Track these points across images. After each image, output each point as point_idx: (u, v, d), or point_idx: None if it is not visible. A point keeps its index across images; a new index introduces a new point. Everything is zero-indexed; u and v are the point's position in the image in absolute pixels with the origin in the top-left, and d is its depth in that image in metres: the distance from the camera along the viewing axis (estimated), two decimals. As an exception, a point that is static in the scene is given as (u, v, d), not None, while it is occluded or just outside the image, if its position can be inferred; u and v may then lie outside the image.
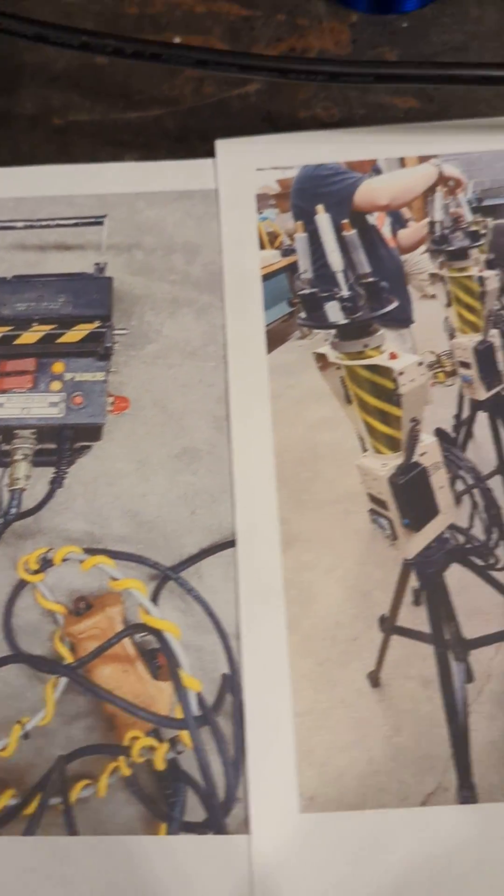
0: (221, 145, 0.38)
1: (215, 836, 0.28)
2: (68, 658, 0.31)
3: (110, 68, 0.41)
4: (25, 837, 0.28)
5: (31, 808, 0.28)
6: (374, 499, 0.33)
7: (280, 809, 0.28)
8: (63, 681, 0.30)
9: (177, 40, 0.42)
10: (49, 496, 0.33)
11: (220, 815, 0.28)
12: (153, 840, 0.28)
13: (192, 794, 0.29)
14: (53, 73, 0.41)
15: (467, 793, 0.28)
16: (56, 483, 0.33)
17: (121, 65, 0.41)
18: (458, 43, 0.42)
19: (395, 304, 0.36)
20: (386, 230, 0.38)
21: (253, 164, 0.38)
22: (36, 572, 0.32)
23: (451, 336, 0.36)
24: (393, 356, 0.34)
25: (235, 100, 0.40)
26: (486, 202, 0.38)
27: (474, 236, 0.38)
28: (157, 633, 0.31)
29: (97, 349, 0.35)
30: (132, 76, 0.41)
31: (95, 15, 0.43)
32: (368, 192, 0.38)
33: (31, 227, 0.38)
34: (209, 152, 0.38)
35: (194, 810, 0.28)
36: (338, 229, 0.36)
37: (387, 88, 0.40)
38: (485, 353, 0.36)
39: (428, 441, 0.34)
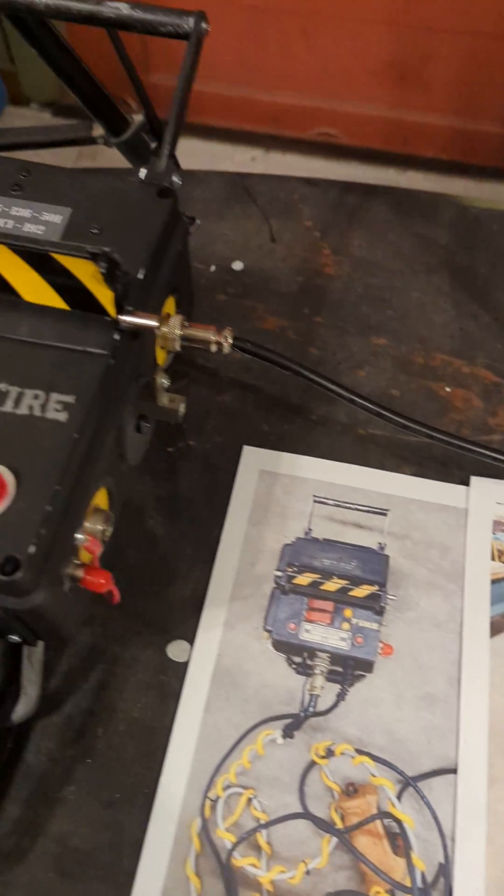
0: (475, 482, 0.56)
1: None
2: (339, 824, 0.46)
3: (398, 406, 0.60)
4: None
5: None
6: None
7: None
8: (334, 840, 0.45)
9: (447, 390, 0.61)
10: (335, 705, 0.49)
11: None
12: None
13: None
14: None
15: None
16: (340, 696, 0.49)
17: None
18: None
19: None
20: None
21: (495, 498, 0.56)
22: (322, 757, 0.48)
23: None
24: None
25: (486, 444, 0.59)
26: None
27: None
28: (399, 822, 0.46)
29: (375, 606, 0.52)
30: (416, 410, 0.60)
31: (394, 361, 0.62)
32: None
33: (339, 506, 0.56)
34: (465, 481, 0.56)
35: None
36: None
37: None
38: None
39: None
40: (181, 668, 0.51)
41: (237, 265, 0.67)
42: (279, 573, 0.53)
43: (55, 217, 0.45)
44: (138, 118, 0.73)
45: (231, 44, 1.60)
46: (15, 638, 0.42)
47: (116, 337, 0.41)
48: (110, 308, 0.40)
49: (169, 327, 0.44)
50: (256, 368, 0.61)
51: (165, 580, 0.53)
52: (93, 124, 0.73)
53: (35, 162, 0.48)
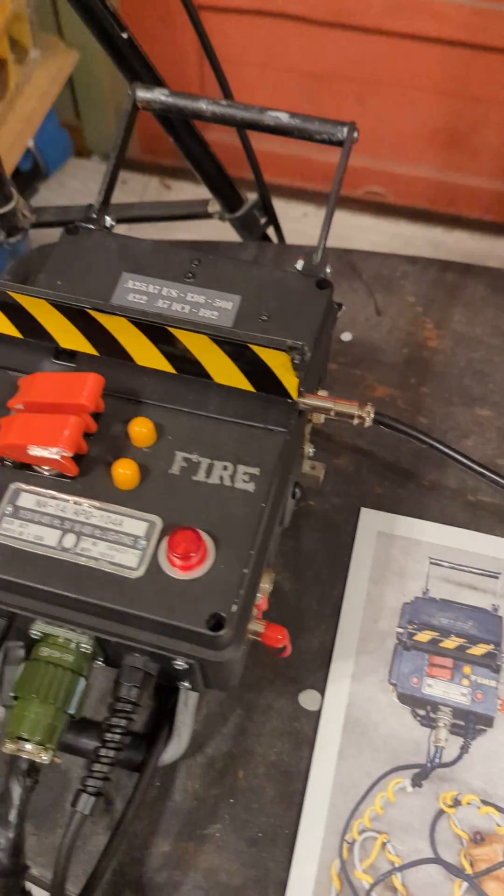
0: None
1: None
2: (468, 870, 0.49)
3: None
4: None
5: None
6: None
7: None
8: (465, 884, 0.49)
9: (547, 461, 0.65)
10: (459, 757, 0.53)
11: None
12: None
13: None
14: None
15: None
16: (464, 749, 0.53)
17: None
18: None
19: None
20: None
21: None
22: (450, 806, 0.51)
23: None
24: None
25: None
26: None
27: None
28: (524, 870, 0.49)
29: (492, 664, 0.56)
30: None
31: None
32: None
33: (454, 568, 0.60)
34: None
35: None
36: None
37: None
38: None
39: None
40: (313, 717, 0.54)
41: (346, 336, 0.72)
42: (400, 630, 0.57)
43: (227, 304, 0.50)
44: (252, 197, 0.79)
45: (287, 106, 1.68)
46: (186, 684, 0.47)
47: (294, 417, 0.46)
48: (293, 392, 0.45)
49: (332, 405, 0.49)
50: (369, 434, 0.66)
51: (294, 633, 0.57)
52: (209, 200, 0.79)
53: (204, 251, 0.53)
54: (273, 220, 0.79)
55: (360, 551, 0.61)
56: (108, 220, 0.55)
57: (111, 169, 0.55)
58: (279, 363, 0.43)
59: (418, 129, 1.67)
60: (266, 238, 0.82)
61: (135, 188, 1.85)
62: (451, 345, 0.71)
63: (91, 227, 0.54)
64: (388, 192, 1.81)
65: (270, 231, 0.84)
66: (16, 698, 0.44)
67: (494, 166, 1.70)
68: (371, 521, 0.62)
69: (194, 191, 1.86)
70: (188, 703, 0.50)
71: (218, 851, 0.50)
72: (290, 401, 0.45)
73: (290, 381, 0.44)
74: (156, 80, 0.69)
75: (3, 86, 1.39)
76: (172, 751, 0.51)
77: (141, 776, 0.49)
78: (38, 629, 0.44)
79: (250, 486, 0.44)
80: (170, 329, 0.44)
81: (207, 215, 0.78)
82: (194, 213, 0.78)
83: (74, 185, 1.82)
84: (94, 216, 0.54)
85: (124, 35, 0.65)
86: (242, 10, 1.49)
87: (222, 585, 0.41)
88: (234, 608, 0.40)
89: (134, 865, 0.50)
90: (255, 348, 0.43)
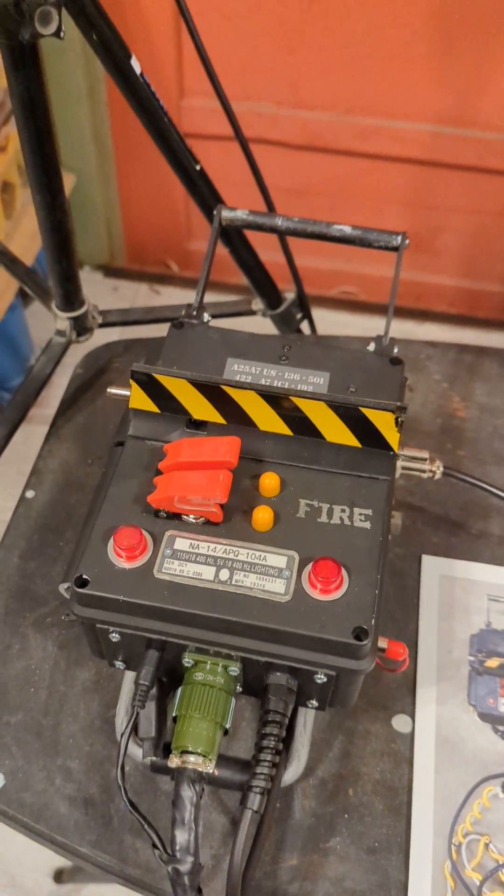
0: None
1: None
2: None
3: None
4: None
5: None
6: None
7: None
8: None
9: None
10: (540, 763, 0.60)
11: None
12: None
13: None
14: (504, 511, 0.74)
15: None
16: (542, 756, 0.60)
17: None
18: None
19: None
20: None
21: None
22: (538, 806, 0.58)
23: None
24: None
25: None
26: None
27: None
28: None
29: None
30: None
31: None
32: None
33: (509, 602, 0.69)
34: None
35: None
36: None
37: None
38: None
39: None
40: (407, 738, 0.61)
41: (386, 410, 0.82)
42: (472, 658, 0.65)
43: (319, 379, 0.60)
44: (290, 296, 0.91)
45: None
46: (313, 703, 0.54)
47: (395, 466, 0.55)
48: (395, 445, 0.54)
49: (421, 454, 0.58)
50: (418, 492, 0.75)
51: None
52: (253, 299, 0.90)
53: (293, 337, 0.63)
54: (308, 315, 0.91)
55: (427, 593, 0.69)
56: (206, 316, 0.65)
57: (204, 275, 0.66)
58: (384, 421, 0.53)
59: (386, 235, 1.84)
60: (299, 331, 0.93)
61: (126, 294, 1.99)
62: (477, 414, 0.82)
63: (193, 321, 0.64)
64: (360, 292, 1.97)
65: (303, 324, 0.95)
66: (175, 719, 0.51)
67: (455, 265, 1.88)
68: (433, 567, 0.71)
69: (181, 294, 2.00)
70: (307, 725, 0.57)
71: (341, 861, 0.56)
72: (391, 453, 0.55)
73: (392, 437, 0.54)
74: (218, 199, 0.81)
75: (11, 206, 1.52)
76: (293, 770, 0.57)
77: (269, 795, 0.55)
78: (190, 657, 0.51)
79: (367, 524, 0.52)
80: (292, 398, 0.53)
81: (251, 312, 0.89)
82: (240, 311, 0.89)
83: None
84: (195, 313, 0.64)
85: (198, 167, 0.77)
86: (223, 138, 1.67)
87: (360, 604, 0.49)
88: (372, 622, 0.48)
89: (267, 879, 0.55)
90: (365, 410, 0.53)
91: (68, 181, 1.66)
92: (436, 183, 1.69)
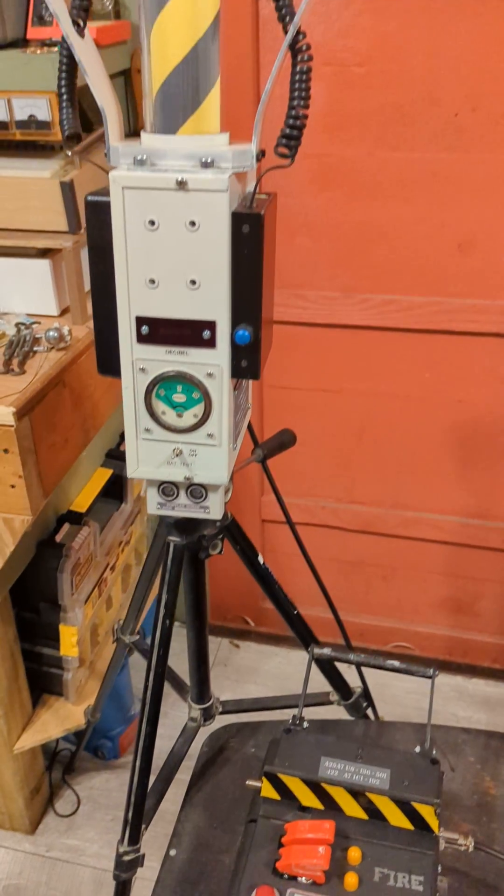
0: None
1: None
2: None
3: None
4: None
5: None
6: None
7: None
8: None
9: None
10: None
11: None
12: None
13: None
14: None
15: None
16: None
17: None
18: None
19: None
20: None
21: None
22: None
23: None
24: None
25: None
26: None
27: None
28: None
29: None
30: None
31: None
32: None
33: None
34: None
35: None
36: None
37: None
38: None
39: None
40: None
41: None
42: None
43: (383, 775, 0.90)
44: (358, 689, 1.22)
45: (328, 583, 2.24)
46: None
47: (437, 845, 0.83)
48: (436, 829, 0.82)
49: (451, 837, 0.85)
50: (463, 858, 0.99)
51: None
52: (330, 692, 1.22)
53: (362, 731, 0.94)
54: (371, 704, 1.21)
55: (472, 944, 0.91)
56: (305, 723, 0.97)
57: (302, 701, 0.99)
58: (428, 812, 0.82)
59: (431, 599, 2.20)
60: (366, 716, 1.23)
61: (210, 648, 2.33)
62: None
63: (297, 728, 0.96)
64: (413, 646, 2.28)
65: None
66: None
67: (495, 625, 2.20)
68: None
69: (258, 648, 2.32)
70: None
71: None
72: (434, 834, 0.82)
73: (433, 822, 0.82)
74: (313, 639, 1.18)
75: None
76: None
77: None
78: None
79: (419, 888, 0.79)
80: (367, 794, 0.83)
81: (329, 702, 1.21)
82: (323, 701, 1.20)
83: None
84: (297, 722, 0.97)
85: (294, 612, 1.14)
86: (280, 521, 2.12)
87: None
88: None
89: None
90: (416, 804, 0.82)
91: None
92: (470, 559, 2.08)
